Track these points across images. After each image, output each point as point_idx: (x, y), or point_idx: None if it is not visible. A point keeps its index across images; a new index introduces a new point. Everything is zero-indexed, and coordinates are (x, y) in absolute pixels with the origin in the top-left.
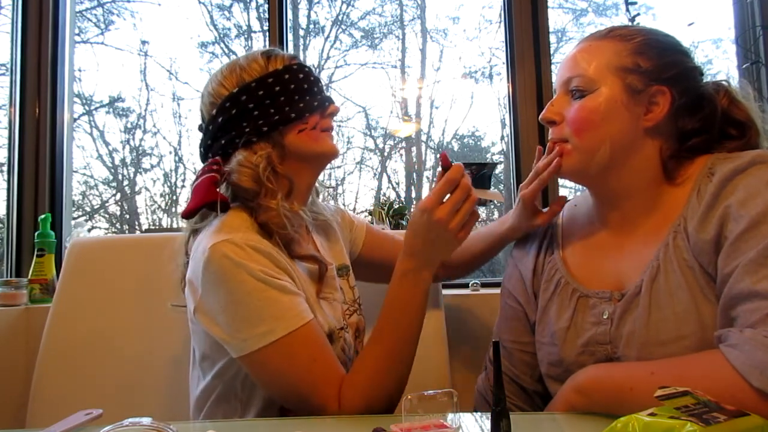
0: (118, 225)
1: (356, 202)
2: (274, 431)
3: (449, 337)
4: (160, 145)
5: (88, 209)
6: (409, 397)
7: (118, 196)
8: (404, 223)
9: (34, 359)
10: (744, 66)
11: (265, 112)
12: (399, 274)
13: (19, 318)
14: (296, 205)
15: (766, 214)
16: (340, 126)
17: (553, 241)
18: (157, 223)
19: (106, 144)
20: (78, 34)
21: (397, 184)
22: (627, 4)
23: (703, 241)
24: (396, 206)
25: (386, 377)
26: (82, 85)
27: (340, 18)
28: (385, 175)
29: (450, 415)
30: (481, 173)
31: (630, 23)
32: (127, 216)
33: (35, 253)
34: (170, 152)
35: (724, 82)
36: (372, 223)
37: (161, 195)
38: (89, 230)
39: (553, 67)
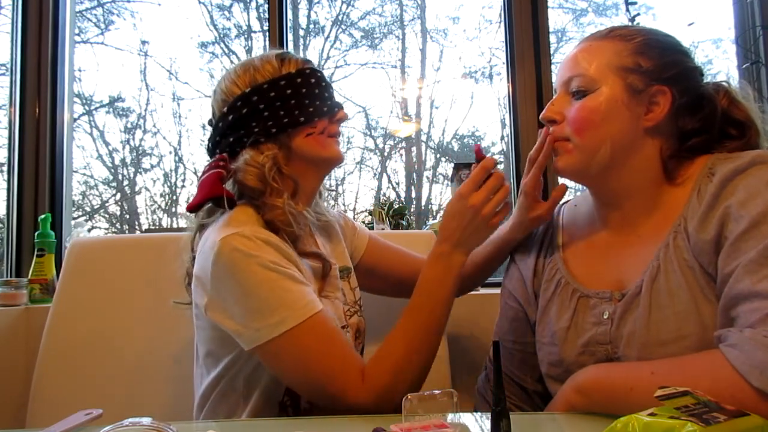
0: (118, 225)
1: (356, 202)
2: (274, 431)
3: (449, 337)
4: (160, 145)
5: (88, 209)
6: (409, 397)
7: (118, 196)
8: (404, 223)
9: (34, 359)
10: (744, 66)
11: (275, 114)
12: (432, 257)
13: (19, 318)
14: (301, 206)
15: (766, 214)
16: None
17: (553, 241)
18: (157, 223)
19: (106, 144)
20: (78, 34)
21: (397, 184)
22: (627, 4)
23: (704, 241)
24: (396, 206)
25: (413, 360)
26: (82, 85)
27: (340, 18)
28: (385, 175)
29: (450, 415)
30: None
31: (630, 23)
32: (127, 216)
33: (35, 253)
34: (170, 152)
35: (724, 83)
36: (372, 223)
37: (161, 195)
38: (89, 230)
39: (553, 67)
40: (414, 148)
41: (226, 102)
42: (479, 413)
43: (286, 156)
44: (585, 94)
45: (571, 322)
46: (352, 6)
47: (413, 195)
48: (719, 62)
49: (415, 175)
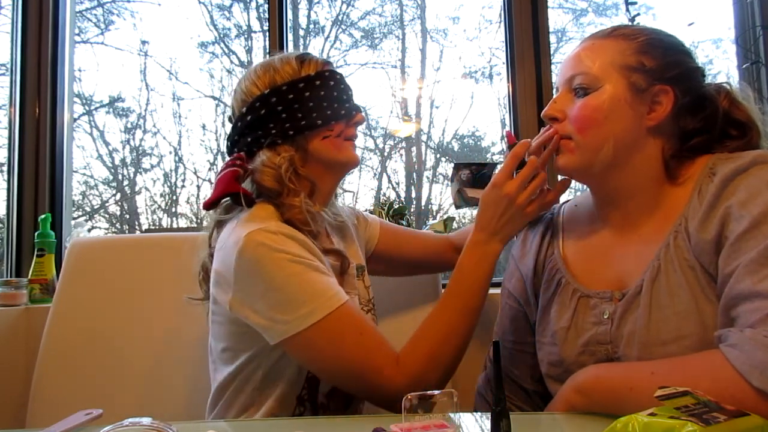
0: (118, 225)
1: (356, 202)
2: (274, 431)
3: None
4: (160, 145)
5: (88, 209)
6: (409, 397)
7: (118, 196)
8: (404, 223)
9: (34, 359)
10: (744, 66)
11: (293, 116)
12: (470, 245)
13: (19, 318)
14: (318, 206)
15: (766, 214)
16: None
17: (553, 240)
18: (157, 223)
19: (106, 144)
20: (78, 34)
21: (397, 184)
22: (627, 4)
23: (704, 240)
24: (396, 206)
25: (448, 345)
26: (82, 85)
27: (340, 18)
28: (385, 175)
29: (450, 415)
30: (481, 173)
31: (630, 23)
32: (127, 216)
33: (35, 253)
34: (170, 152)
35: (725, 84)
36: None
37: (161, 195)
38: (89, 230)
39: (553, 67)
40: (414, 148)
41: (246, 102)
42: (479, 413)
43: (303, 158)
44: (588, 92)
45: (571, 322)
46: (352, 6)
47: (413, 195)
48: (719, 62)
49: (415, 175)
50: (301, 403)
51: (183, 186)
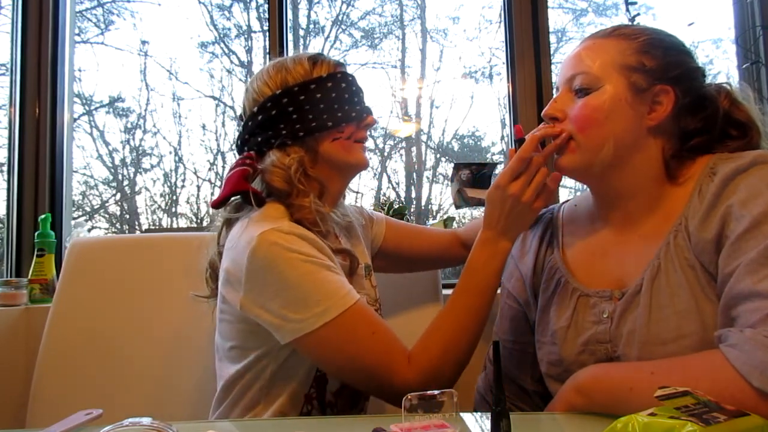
0: (118, 225)
1: (356, 202)
2: (274, 431)
3: None
4: (160, 145)
5: (88, 209)
6: (409, 397)
7: (118, 196)
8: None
9: (34, 359)
10: (744, 66)
11: (304, 118)
12: (479, 243)
13: (19, 318)
14: (327, 207)
15: (767, 214)
16: None
17: (553, 240)
18: (157, 223)
19: (106, 144)
20: (78, 34)
21: (397, 184)
22: (627, 4)
23: (705, 240)
24: (396, 206)
25: (459, 341)
26: (82, 85)
27: (340, 18)
28: (385, 175)
29: (450, 415)
30: (481, 173)
31: (630, 23)
32: (127, 216)
33: (35, 253)
34: (170, 152)
35: (725, 85)
36: None
37: (161, 195)
38: (89, 230)
39: (553, 67)
40: (414, 148)
41: (257, 102)
42: (479, 413)
43: (312, 159)
44: (588, 92)
45: (571, 321)
46: (352, 6)
47: (413, 195)
48: (719, 62)
49: (415, 175)
50: (309, 402)
51: (183, 186)
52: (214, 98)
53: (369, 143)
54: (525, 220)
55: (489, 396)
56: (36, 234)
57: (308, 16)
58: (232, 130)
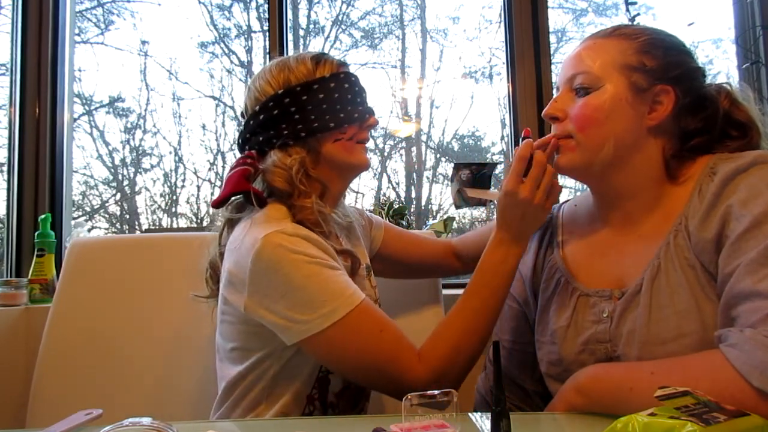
0: (118, 225)
1: (356, 202)
2: (274, 431)
3: None
4: (160, 145)
5: (88, 209)
6: (409, 397)
7: (118, 196)
8: (404, 223)
9: (34, 359)
10: (744, 66)
11: (306, 118)
12: (492, 244)
13: (19, 318)
14: (328, 208)
15: (767, 214)
16: None
17: (552, 240)
18: (157, 223)
19: (106, 144)
20: (78, 34)
21: (397, 184)
22: (627, 4)
23: (705, 240)
24: (396, 206)
25: (469, 340)
26: (82, 85)
27: (340, 18)
28: (385, 175)
29: (450, 415)
30: (481, 173)
31: (630, 23)
32: (127, 216)
33: (35, 253)
34: (170, 152)
35: (725, 85)
36: None
37: (161, 195)
38: (89, 230)
39: (553, 67)
40: (414, 148)
41: (259, 101)
42: (479, 413)
43: (314, 160)
44: (589, 91)
45: (571, 321)
46: (352, 6)
47: (413, 195)
48: (719, 62)
49: (415, 175)
50: (311, 403)
51: (183, 186)
52: (214, 98)
53: (369, 143)
54: (538, 221)
55: (489, 396)
56: (36, 234)
57: (308, 16)
58: (232, 130)
